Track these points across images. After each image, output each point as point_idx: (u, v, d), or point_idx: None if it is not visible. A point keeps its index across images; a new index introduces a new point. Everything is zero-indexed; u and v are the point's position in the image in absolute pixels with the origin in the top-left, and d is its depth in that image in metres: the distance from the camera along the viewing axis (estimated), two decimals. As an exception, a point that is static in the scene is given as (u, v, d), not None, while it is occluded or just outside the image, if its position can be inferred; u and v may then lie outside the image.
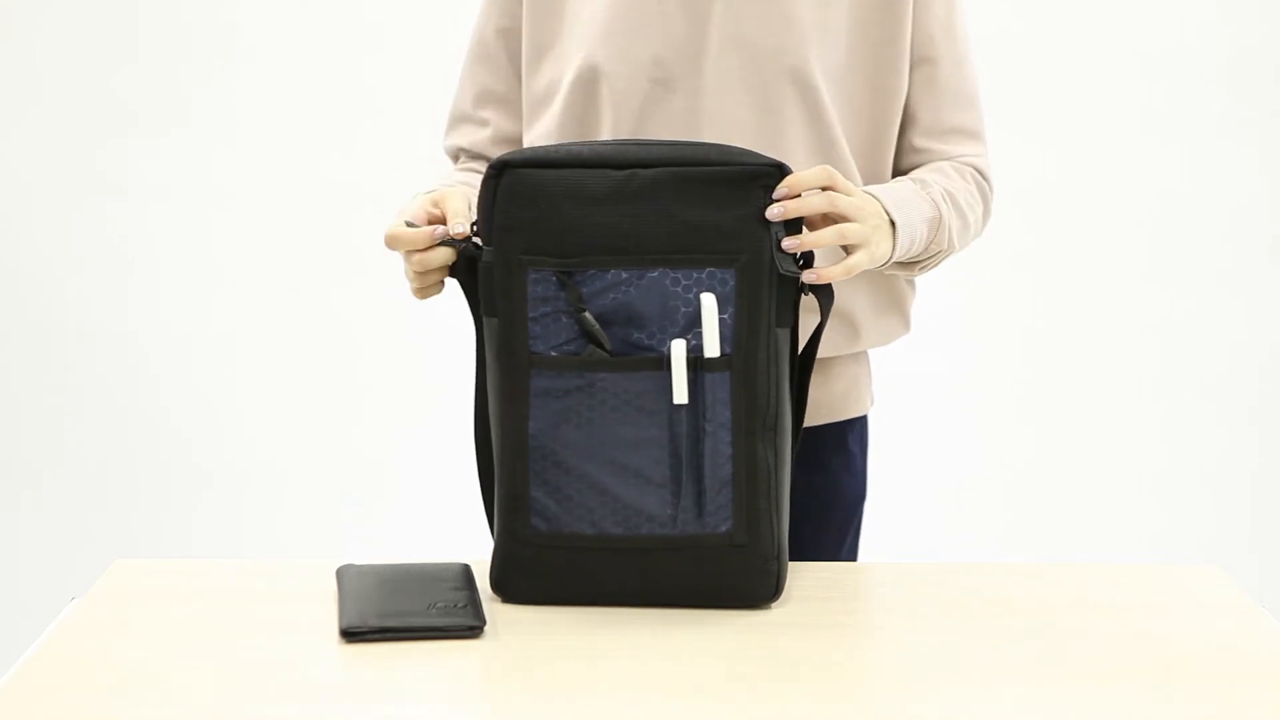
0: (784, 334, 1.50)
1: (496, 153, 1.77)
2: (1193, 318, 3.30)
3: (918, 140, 1.78)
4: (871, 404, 1.90)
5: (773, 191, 1.47)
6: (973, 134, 1.80)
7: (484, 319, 1.51)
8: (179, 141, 3.22)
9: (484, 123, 1.83)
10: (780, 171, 1.48)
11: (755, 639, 1.44)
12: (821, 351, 1.76)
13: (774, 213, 1.47)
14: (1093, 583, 1.62)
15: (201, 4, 3.20)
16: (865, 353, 1.87)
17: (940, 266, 1.77)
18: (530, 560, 1.51)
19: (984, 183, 1.79)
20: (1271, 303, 3.29)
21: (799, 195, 1.49)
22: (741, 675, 1.37)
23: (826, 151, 1.72)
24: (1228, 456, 3.34)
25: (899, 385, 2.59)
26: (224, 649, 1.41)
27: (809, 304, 1.54)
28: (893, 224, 1.60)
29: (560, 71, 1.76)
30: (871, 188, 1.63)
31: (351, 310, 3.28)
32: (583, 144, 1.49)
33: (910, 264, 1.72)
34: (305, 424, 3.30)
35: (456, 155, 1.86)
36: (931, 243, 1.68)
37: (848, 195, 1.54)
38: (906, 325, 1.85)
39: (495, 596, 1.53)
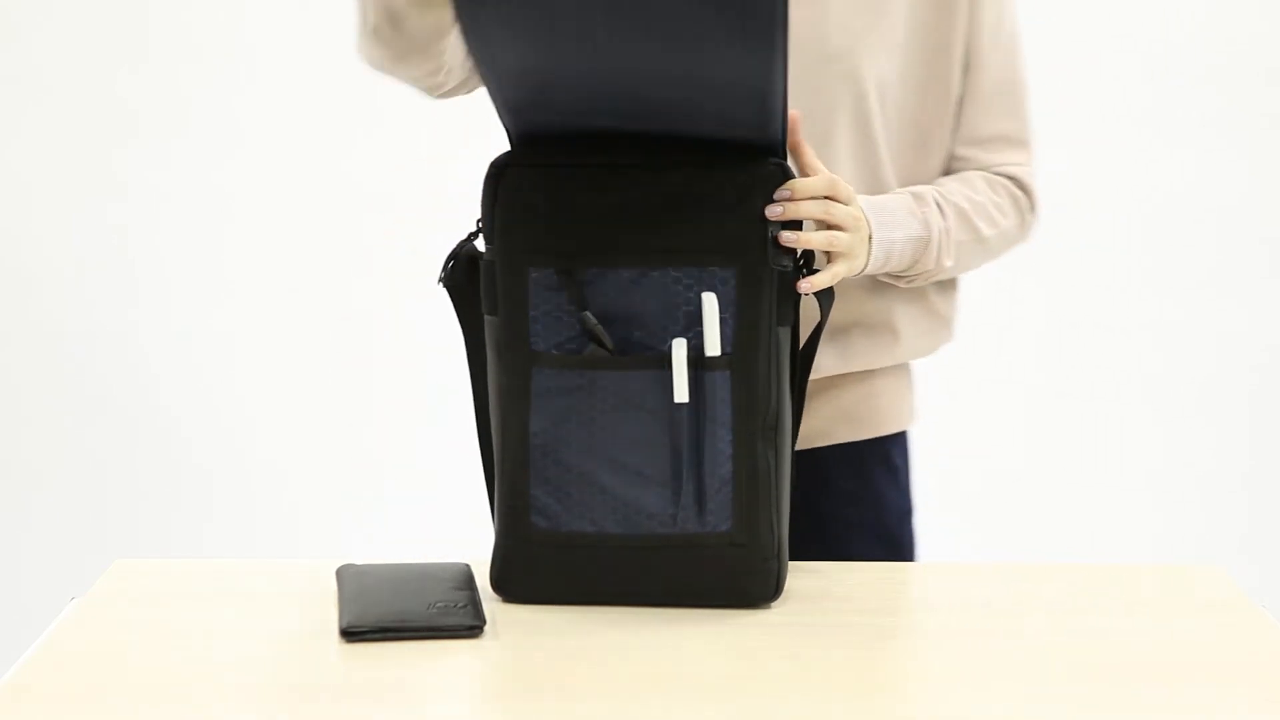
0: (784, 333, 1.50)
1: None
2: (1188, 318, 3.30)
3: (959, 148, 1.78)
4: (914, 419, 1.89)
5: (774, 191, 1.47)
6: (1016, 142, 1.80)
7: (485, 317, 1.52)
8: (181, 143, 3.22)
9: None
10: (783, 173, 1.48)
11: (755, 639, 1.44)
12: (862, 365, 1.77)
13: (774, 211, 1.47)
14: (1092, 583, 1.62)
15: (204, 7, 3.20)
16: (908, 366, 1.87)
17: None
18: (530, 559, 1.51)
19: (1019, 193, 1.79)
20: (1267, 302, 3.29)
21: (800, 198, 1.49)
22: (741, 675, 1.37)
23: (869, 159, 1.73)
24: (1226, 456, 3.33)
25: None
26: (224, 649, 1.41)
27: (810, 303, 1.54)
28: (870, 238, 1.61)
29: None
30: (866, 200, 1.64)
31: (352, 311, 3.28)
32: (585, 143, 1.49)
33: (897, 276, 1.72)
34: (306, 425, 3.30)
35: None
36: (917, 262, 1.68)
37: (846, 206, 1.55)
38: (950, 333, 1.85)
39: (495, 596, 1.53)
